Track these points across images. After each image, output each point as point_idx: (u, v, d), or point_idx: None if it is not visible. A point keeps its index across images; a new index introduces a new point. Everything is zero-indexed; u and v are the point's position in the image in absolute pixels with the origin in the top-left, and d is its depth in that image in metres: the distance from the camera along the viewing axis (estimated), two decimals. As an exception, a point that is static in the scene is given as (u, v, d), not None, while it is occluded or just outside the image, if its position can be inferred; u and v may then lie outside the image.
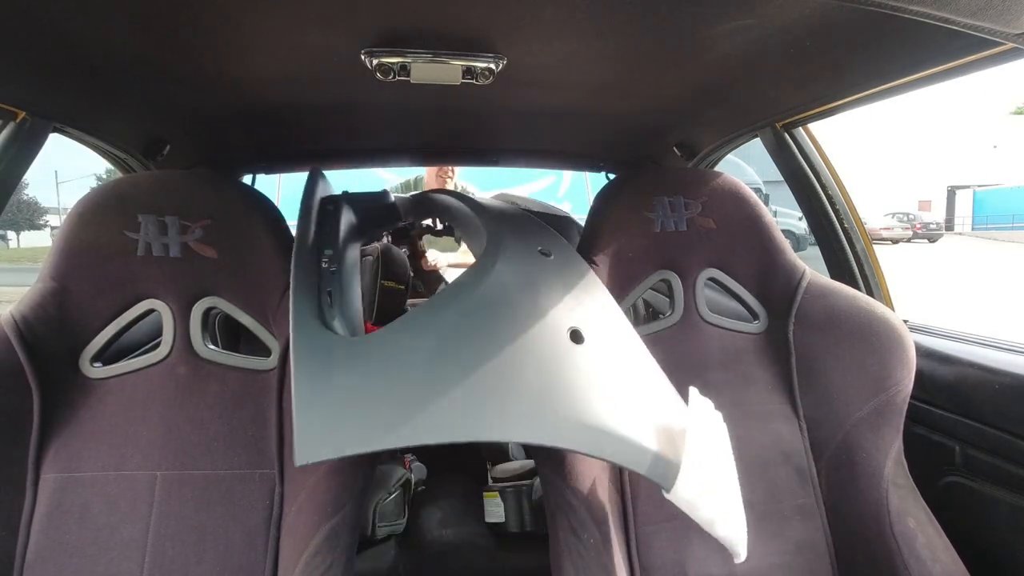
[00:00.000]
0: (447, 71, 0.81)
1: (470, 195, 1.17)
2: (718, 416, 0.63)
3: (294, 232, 0.87)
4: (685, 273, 0.91)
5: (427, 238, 1.85)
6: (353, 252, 0.87)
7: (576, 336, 0.62)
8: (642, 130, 1.31)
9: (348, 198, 0.97)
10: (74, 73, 0.82)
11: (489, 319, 0.59)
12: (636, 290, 0.90)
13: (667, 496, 0.56)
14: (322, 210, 0.86)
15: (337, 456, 0.46)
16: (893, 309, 0.99)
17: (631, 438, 0.56)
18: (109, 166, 1.19)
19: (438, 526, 1.45)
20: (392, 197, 1.22)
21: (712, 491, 0.57)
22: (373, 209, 1.11)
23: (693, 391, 0.64)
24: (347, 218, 0.89)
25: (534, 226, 0.87)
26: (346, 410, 0.49)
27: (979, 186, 21.33)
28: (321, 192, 0.93)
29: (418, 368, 0.53)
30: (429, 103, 1.07)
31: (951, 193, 22.14)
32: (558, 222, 1.35)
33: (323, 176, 1.00)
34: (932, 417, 0.93)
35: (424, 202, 1.26)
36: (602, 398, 0.57)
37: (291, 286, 0.63)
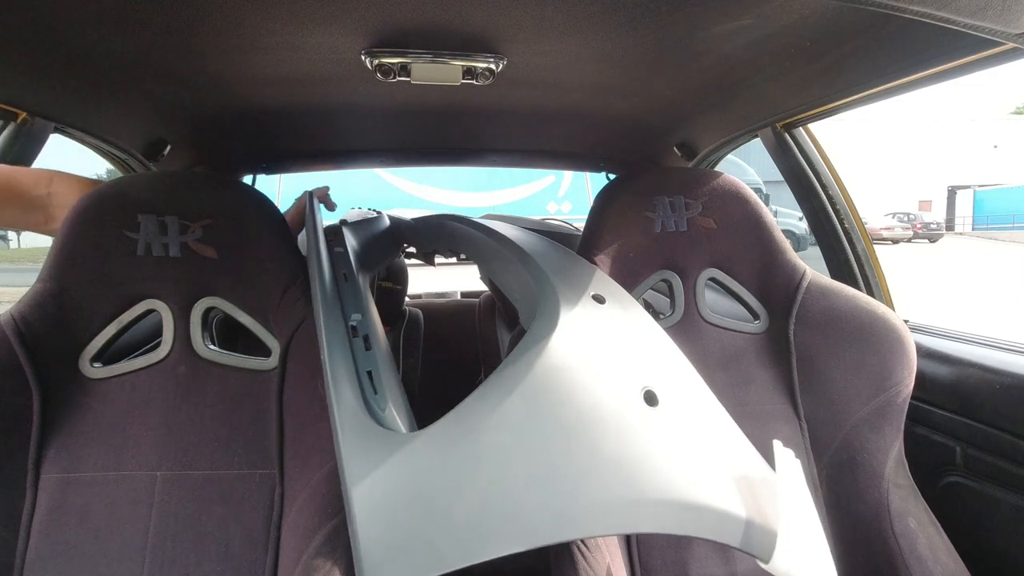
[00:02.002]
0: (447, 71, 0.81)
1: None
2: (799, 466, 0.59)
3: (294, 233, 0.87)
4: (686, 273, 0.91)
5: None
6: (371, 299, 0.76)
7: (651, 398, 0.57)
8: (642, 130, 1.31)
9: (351, 231, 0.85)
10: (75, 73, 0.82)
11: (560, 401, 0.53)
12: (637, 290, 0.90)
13: (764, 567, 0.53)
14: (331, 254, 0.75)
15: None
16: (894, 309, 0.99)
17: (725, 511, 0.51)
18: (109, 166, 1.19)
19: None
20: (387, 219, 1.12)
21: (809, 555, 0.53)
22: (374, 243, 0.99)
23: (777, 444, 0.60)
24: (355, 259, 0.79)
25: (573, 263, 0.81)
26: (420, 527, 0.43)
27: (980, 186, 21.33)
28: (321, 224, 0.82)
29: (493, 470, 0.47)
30: (429, 103, 1.07)
31: (952, 193, 22.14)
32: (569, 240, 1.26)
33: (314, 201, 0.92)
34: (932, 417, 0.93)
35: (433, 230, 1.13)
36: (689, 468, 0.52)
37: (326, 372, 0.55)
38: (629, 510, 0.48)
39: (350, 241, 0.85)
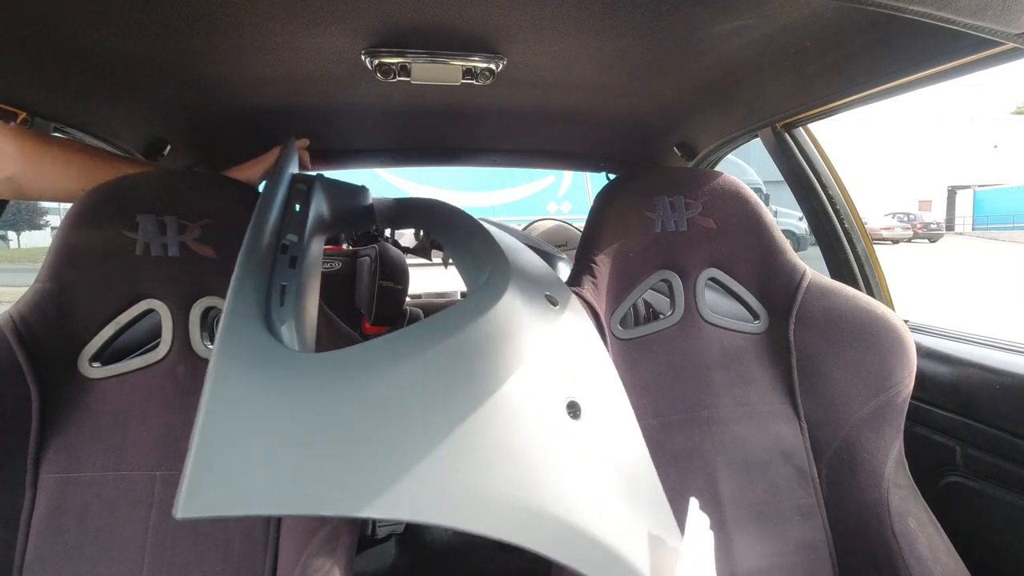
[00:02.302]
0: (447, 71, 0.81)
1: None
2: (711, 536, 0.54)
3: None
4: (686, 273, 0.91)
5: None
6: (317, 248, 0.72)
7: (574, 410, 0.52)
8: (642, 130, 1.31)
9: (323, 183, 0.82)
10: (74, 73, 0.82)
11: (482, 369, 0.48)
12: (636, 290, 0.90)
13: None
14: (292, 188, 0.72)
15: (237, 515, 0.37)
16: (893, 309, 0.99)
17: (625, 558, 0.46)
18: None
19: (438, 526, 1.44)
20: (371, 197, 1.08)
21: None
22: (348, 203, 0.93)
23: (693, 503, 0.55)
24: (318, 206, 0.75)
25: (540, 265, 0.77)
26: (277, 456, 0.37)
27: (980, 186, 21.34)
28: (293, 167, 0.79)
29: (382, 417, 0.41)
30: (429, 103, 1.07)
31: (952, 193, 22.14)
32: (547, 258, 1.19)
33: (293, 145, 0.86)
34: (932, 417, 0.93)
35: (412, 209, 1.09)
36: (597, 497, 0.48)
37: (235, 272, 0.50)
38: (519, 517, 0.42)
39: (319, 190, 0.80)
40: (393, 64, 0.78)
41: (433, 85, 0.86)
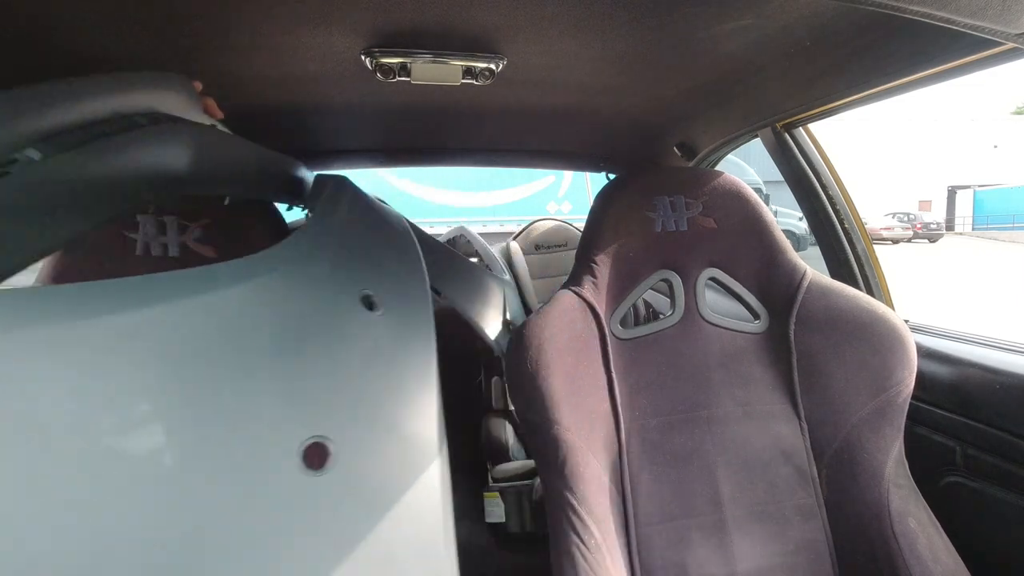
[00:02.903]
0: (447, 71, 0.81)
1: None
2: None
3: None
4: (686, 273, 0.91)
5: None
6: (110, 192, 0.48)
7: (316, 459, 0.39)
8: (642, 130, 1.31)
9: (196, 128, 0.57)
10: (74, 74, 0.82)
11: (179, 367, 0.36)
12: (636, 290, 0.90)
13: None
14: (119, 116, 0.49)
15: None
16: (893, 309, 0.99)
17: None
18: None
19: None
20: (304, 172, 0.88)
21: None
22: (241, 158, 0.72)
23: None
24: (163, 147, 0.51)
25: (409, 258, 0.58)
26: None
27: (980, 186, 21.33)
28: (161, 103, 0.55)
29: None
30: (429, 103, 1.07)
31: (952, 193, 22.13)
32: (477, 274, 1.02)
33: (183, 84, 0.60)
34: (933, 417, 0.93)
35: (321, 185, 0.83)
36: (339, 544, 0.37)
37: None
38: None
39: (175, 134, 0.55)
40: (393, 64, 0.78)
41: (433, 85, 0.86)
